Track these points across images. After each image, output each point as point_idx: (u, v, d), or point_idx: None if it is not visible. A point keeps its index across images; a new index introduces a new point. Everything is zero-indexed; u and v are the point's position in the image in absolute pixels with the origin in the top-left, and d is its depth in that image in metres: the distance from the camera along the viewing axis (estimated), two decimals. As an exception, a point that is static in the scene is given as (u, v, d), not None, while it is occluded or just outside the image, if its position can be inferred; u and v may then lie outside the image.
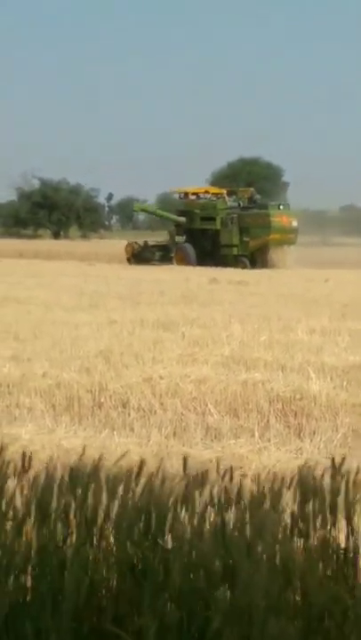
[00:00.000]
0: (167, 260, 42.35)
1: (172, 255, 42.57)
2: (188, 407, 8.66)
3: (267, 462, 6.76)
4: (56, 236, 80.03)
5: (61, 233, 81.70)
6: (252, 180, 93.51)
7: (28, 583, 3.01)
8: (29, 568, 3.04)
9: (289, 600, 2.97)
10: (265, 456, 7.02)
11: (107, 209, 46.73)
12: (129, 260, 43.04)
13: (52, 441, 7.10)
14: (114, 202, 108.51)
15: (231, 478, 3.42)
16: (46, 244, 61.01)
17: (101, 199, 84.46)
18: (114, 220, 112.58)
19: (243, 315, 16.33)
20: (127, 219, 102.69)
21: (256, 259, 40.58)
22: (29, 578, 3.02)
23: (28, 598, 2.98)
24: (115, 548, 3.11)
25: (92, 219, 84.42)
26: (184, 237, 43.01)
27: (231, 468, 3.44)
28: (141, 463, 3.39)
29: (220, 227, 41.73)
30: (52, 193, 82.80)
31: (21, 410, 8.44)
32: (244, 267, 39.05)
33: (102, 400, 8.84)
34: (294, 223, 41.84)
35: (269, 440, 7.61)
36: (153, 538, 3.11)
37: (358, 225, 79.89)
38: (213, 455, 6.94)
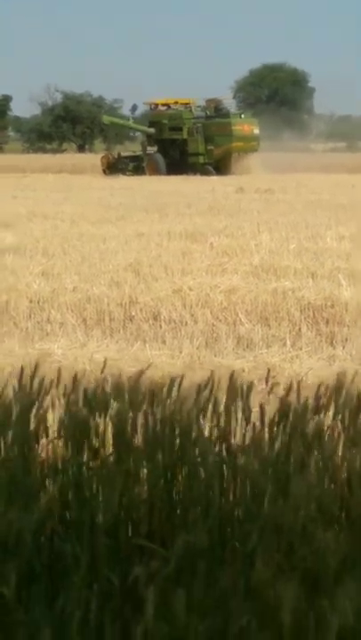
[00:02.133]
0: (140, 170, 42.92)
1: (144, 165, 43.20)
2: (218, 317, 8.65)
3: (299, 370, 6.75)
4: (81, 149, 79.42)
5: (86, 146, 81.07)
6: (278, 87, 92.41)
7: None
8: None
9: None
10: (297, 364, 7.03)
11: (131, 120, 46.26)
12: (104, 172, 43.62)
13: (84, 355, 7.11)
14: (138, 113, 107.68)
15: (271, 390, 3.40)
16: (71, 157, 60.59)
17: (125, 111, 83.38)
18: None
19: (271, 223, 16.19)
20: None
21: (220, 166, 41.43)
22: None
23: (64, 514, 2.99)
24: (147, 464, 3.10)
25: (116, 130, 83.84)
26: (155, 148, 43.68)
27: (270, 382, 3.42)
28: (172, 380, 3.38)
29: (187, 136, 42.45)
30: (75, 106, 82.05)
31: (53, 325, 8.47)
32: (210, 174, 39.72)
33: (133, 313, 8.84)
34: (256, 131, 42.85)
35: (301, 348, 7.62)
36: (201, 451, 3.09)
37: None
38: (246, 365, 6.95)
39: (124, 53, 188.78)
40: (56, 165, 49.91)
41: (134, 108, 48.33)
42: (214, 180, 35.80)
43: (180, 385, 3.31)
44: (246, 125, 42.64)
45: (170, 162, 42.32)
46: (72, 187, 31.24)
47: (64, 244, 13.58)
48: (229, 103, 46.06)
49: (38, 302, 9.20)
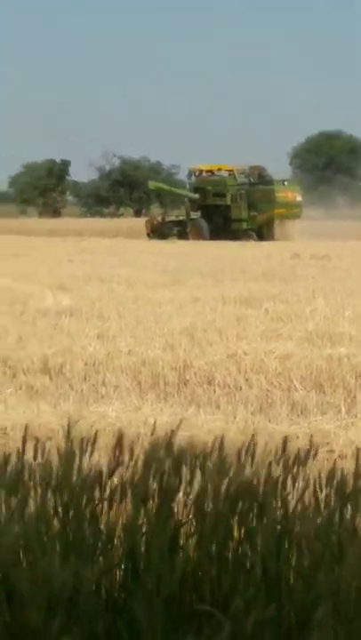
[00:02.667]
0: (183, 235, 43.24)
1: (188, 230, 43.50)
2: (273, 383, 8.63)
3: (354, 438, 6.67)
4: (137, 213, 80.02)
5: (143, 211, 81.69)
6: (334, 155, 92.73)
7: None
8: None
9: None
10: (352, 432, 6.94)
11: (188, 186, 46.80)
12: (148, 235, 44.32)
13: (138, 419, 7.10)
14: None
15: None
16: (127, 221, 61.13)
17: (182, 176, 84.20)
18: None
19: (326, 289, 16.16)
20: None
21: (263, 232, 42.03)
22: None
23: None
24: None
25: (171, 197, 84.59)
26: (199, 213, 44.13)
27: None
28: (222, 440, 3.37)
29: (231, 202, 43.04)
30: (132, 171, 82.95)
31: (108, 388, 8.49)
32: (253, 239, 40.61)
33: (187, 377, 8.85)
34: (298, 198, 43.54)
35: (356, 415, 7.55)
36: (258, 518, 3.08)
37: None
38: (300, 431, 6.90)
39: (182, 119, 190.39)
40: (112, 229, 50.44)
41: (190, 174, 48.87)
42: (270, 245, 36.03)
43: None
44: (289, 192, 43.21)
45: (213, 227, 42.85)
46: (128, 250, 31.54)
47: (119, 307, 13.68)
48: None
49: (93, 365, 9.24)
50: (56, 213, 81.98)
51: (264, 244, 37.82)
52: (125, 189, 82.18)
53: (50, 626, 2.59)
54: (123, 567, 2.94)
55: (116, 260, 26.07)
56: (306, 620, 2.66)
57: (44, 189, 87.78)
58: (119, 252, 30.78)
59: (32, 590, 2.67)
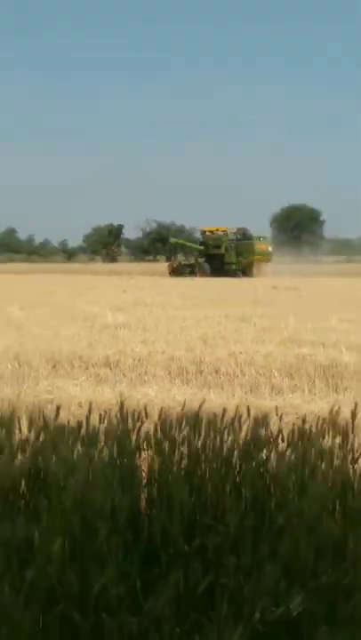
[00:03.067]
0: (193, 273, 43.56)
1: (196, 270, 43.88)
2: (259, 372, 8.58)
3: (313, 409, 6.63)
4: (168, 259, 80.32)
5: (172, 257, 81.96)
6: (299, 220, 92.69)
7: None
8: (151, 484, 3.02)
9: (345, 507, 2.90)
10: (312, 405, 6.91)
11: (198, 241, 48.60)
12: (170, 274, 44.13)
13: (169, 397, 7.09)
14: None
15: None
16: (162, 265, 61.31)
17: (198, 234, 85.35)
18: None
19: (295, 311, 16.12)
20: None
21: (246, 271, 42.45)
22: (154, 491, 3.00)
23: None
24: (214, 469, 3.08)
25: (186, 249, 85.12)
26: (204, 259, 44.70)
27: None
28: (224, 411, 3.35)
29: (225, 252, 43.59)
30: (164, 231, 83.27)
31: (148, 376, 8.48)
32: (239, 276, 41.14)
33: (202, 368, 8.82)
34: (269, 249, 44.42)
35: (315, 394, 7.52)
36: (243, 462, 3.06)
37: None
38: (277, 404, 6.87)
39: (199, 195, 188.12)
40: (151, 270, 50.49)
41: (200, 233, 49.32)
42: (255, 280, 36.59)
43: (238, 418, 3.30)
44: (263, 245, 43.92)
45: (213, 268, 43.07)
46: (163, 285, 31.58)
47: (156, 323, 13.70)
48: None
49: (139, 360, 9.24)
50: (113, 260, 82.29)
51: (248, 279, 38.09)
52: (160, 244, 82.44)
53: (108, 530, 2.58)
54: (156, 493, 2.93)
55: (155, 291, 26.10)
56: (279, 529, 2.65)
57: (106, 244, 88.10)
58: (156, 285, 30.83)
59: (97, 509, 2.66)
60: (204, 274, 42.48)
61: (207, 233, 46.17)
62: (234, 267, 42.80)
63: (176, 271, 44.35)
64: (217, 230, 45.77)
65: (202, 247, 45.36)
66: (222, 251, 43.55)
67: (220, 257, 43.45)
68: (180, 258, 46.89)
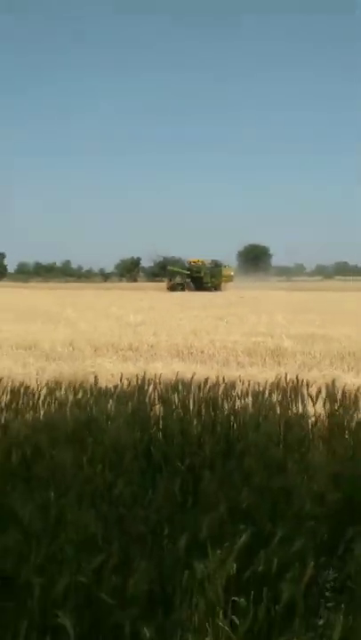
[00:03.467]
0: (183, 289, 43.20)
1: (185, 287, 43.70)
2: (230, 354, 8.57)
3: (266, 377, 6.62)
4: (169, 281, 79.63)
5: (171, 279, 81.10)
6: (255, 255, 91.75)
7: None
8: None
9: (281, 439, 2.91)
10: (265, 374, 6.89)
11: (187, 267, 49.00)
12: (168, 289, 43.71)
13: (170, 370, 7.03)
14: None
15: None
16: (165, 284, 61.36)
17: (186, 263, 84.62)
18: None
19: (255, 312, 16.12)
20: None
21: (217, 287, 42.65)
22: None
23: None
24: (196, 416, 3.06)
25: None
26: (190, 279, 44.53)
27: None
28: (207, 379, 3.36)
29: (203, 275, 43.83)
30: (167, 262, 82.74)
31: (157, 356, 8.46)
32: (212, 291, 41.08)
33: (192, 351, 8.80)
34: (232, 273, 45.87)
35: (265, 367, 7.50)
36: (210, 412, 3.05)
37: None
38: (241, 373, 6.87)
39: (190, 233, 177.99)
40: (159, 287, 50.04)
41: (188, 263, 49.14)
42: (225, 293, 36.95)
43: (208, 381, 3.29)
44: (227, 271, 45.10)
45: (195, 286, 43.11)
46: (165, 297, 31.44)
47: (162, 321, 13.68)
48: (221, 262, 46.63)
49: (151, 346, 9.22)
50: (135, 280, 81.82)
51: (221, 293, 38.43)
52: (163, 270, 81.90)
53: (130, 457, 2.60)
54: (161, 432, 2.94)
55: (160, 300, 26.04)
56: (241, 454, 2.64)
57: (129, 270, 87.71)
58: (161, 297, 30.69)
59: (124, 444, 2.67)
60: (190, 289, 42.65)
61: (192, 262, 46.63)
62: (209, 284, 43.23)
63: (171, 288, 44.21)
64: (198, 261, 46.29)
65: (188, 272, 45.59)
66: (202, 274, 43.94)
67: (200, 278, 43.80)
68: (176, 279, 46.39)
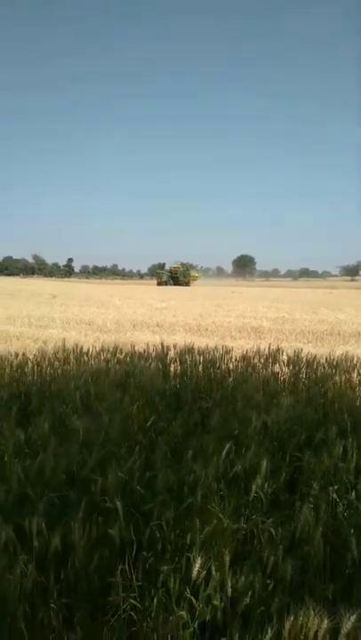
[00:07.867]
0: (168, 284, 42.94)
1: (168, 283, 43.48)
2: (225, 331, 8.42)
3: (250, 347, 6.50)
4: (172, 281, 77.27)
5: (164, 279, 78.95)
6: (245, 264, 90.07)
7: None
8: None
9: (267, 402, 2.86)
10: (249, 345, 6.76)
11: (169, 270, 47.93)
12: (158, 284, 43.37)
13: (185, 340, 6.91)
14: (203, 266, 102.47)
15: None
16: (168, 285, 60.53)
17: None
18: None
19: (239, 301, 15.85)
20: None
21: (188, 284, 42.32)
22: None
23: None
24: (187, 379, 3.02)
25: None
26: (170, 279, 44.27)
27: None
28: (210, 347, 3.28)
29: (179, 275, 43.72)
30: (158, 267, 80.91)
31: (175, 331, 8.36)
32: (185, 286, 40.59)
33: (200, 328, 8.67)
34: (197, 274, 46.71)
35: (251, 340, 7.37)
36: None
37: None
38: (231, 345, 6.75)
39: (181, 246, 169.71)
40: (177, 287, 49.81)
41: (169, 268, 48.16)
42: (211, 288, 35.50)
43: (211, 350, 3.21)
44: (194, 273, 46.08)
45: (174, 282, 43.12)
46: (180, 291, 30.98)
47: (179, 307, 13.53)
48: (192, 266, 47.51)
49: (171, 325, 9.13)
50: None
51: (213, 288, 36.69)
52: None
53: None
54: (179, 383, 2.89)
55: (177, 293, 25.65)
56: (235, 399, 2.59)
57: (154, 272, 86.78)
58: (176, 290, 30.18)
59: (154, 390, 2.65)
60: (170, 285, 42.61)
61: (173, 267, 46.79)
62: (183, 283, 43.38)
63: (159, 284, 44.11)
64: (176, 267, 46.32)
65: (170, 273, 45.81)
66: (178, 275, 44.26)
67: (178, 277, 44.09)
68: (163, 278, 45.64)
